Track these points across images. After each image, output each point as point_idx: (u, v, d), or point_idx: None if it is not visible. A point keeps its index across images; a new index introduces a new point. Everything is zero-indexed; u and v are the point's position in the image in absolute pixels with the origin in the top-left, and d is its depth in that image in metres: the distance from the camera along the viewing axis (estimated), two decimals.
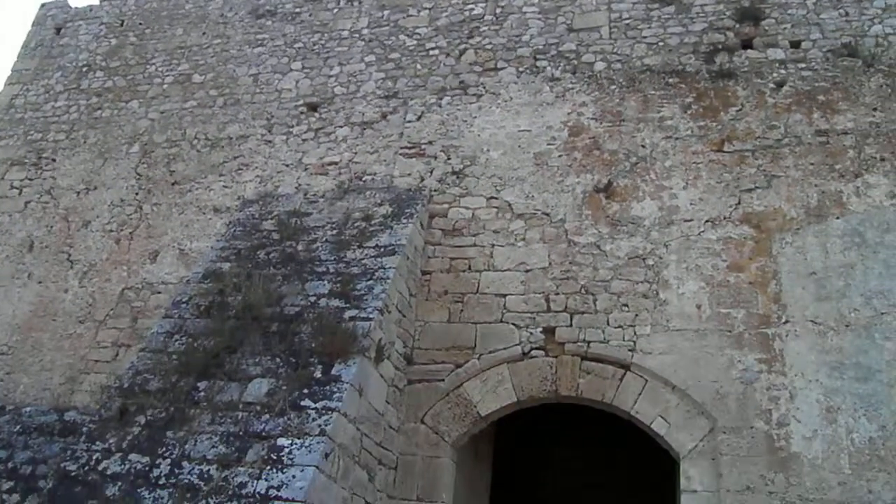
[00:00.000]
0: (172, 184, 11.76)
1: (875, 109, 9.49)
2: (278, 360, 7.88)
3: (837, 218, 8.98)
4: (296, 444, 7.04)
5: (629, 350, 8.70)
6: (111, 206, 11.89)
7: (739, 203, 9.27)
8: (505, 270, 9.43)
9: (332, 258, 9.16)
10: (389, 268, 8.81)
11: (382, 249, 9.12)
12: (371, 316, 8.17)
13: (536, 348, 8.96)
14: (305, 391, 7.50)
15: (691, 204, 9.37)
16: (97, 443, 7.38)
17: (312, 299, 8.55)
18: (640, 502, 12.21)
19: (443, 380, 9.04)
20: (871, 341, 8.33)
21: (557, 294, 9.16)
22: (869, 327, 8.39)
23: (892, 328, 8.33)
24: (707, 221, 9.23)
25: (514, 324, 9.12)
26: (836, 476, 7.85)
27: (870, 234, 8.82)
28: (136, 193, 11.89)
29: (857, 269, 8.67)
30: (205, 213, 11.32)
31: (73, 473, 7.15)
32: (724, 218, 9.21)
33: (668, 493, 9.22)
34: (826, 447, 7.97)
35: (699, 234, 9.18)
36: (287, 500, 6.60)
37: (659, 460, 9.39)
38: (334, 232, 9.62)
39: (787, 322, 8.56)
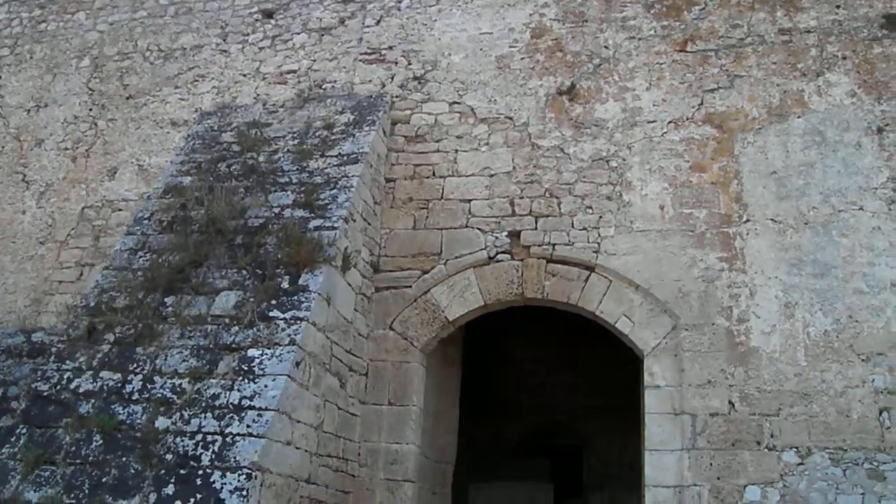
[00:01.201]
0: (127, 98, 11.44)
1: (838, 7, 9.42)
2: (245, 272, 7.88)
3: (799, 117, 9.03)
4: (266, 354, 7.11)
5: (593, 252, 8.82)
6: (64, 123, 11.56)
7: (702, 103, 9.26)
8: (469, 176, 9.41)
9: (295, 168, 9.06)
10: (353, 176, 8.75)
11: (345, 158, 9.03)
12: (336, 225, 8.15)
13: (502, 252, 9.04)
14: (273, 302, 7.53)
15: (654, 105, 9.35)
16: (67, 362, 7.38)
17: (276, 210, 8.49)
18: (605, 400, 12.60)
19: (410, 286, 9.12)
20: (828, 238, 8.51)
21: (522, 198, 9.19)
22: (827, 225, 8.56)
23: (848, 225, 8.51)
24: (670, 122, 9.24)
25: (479, 228, 9.17)
26: (792, 368, 8.14)
27: (830, 133, 8.89)
28: (90, 109, 11.55)
29: (817, 168, 8.78)
30: (162, 127, 11.06)
31: (45, 393, 7.17)
32: (687, 119, 9.22)
33: (632, 390, 9.49)
34: (783, 341, 8.24)
35: (662, 135, 9.19)
36: (260, 409, 6.71)
37: (623, 359, 9.63)
38: (296, 142, 9.49)
39: (747, 221, 8.70)
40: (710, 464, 7.94)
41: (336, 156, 9.12)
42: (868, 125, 8.85)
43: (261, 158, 9.31)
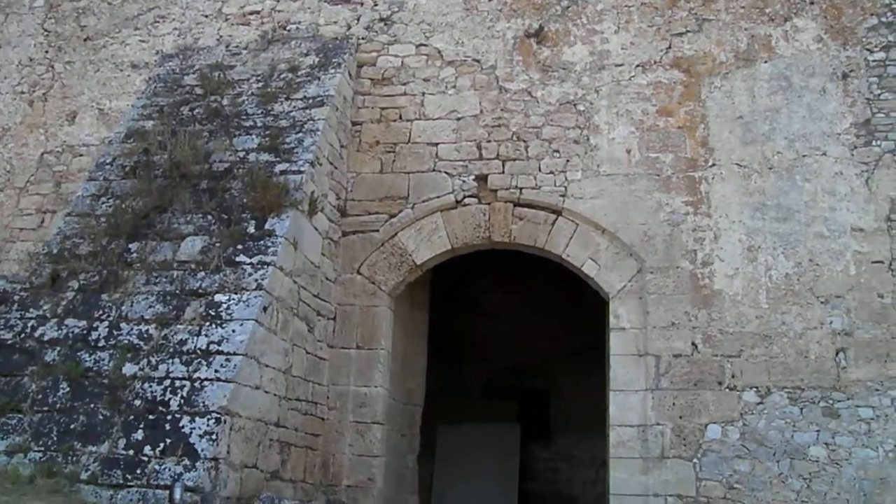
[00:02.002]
0: (85, 40, 11.10)
1: None
2: (210, 217, 7.81)
3: (766, 62, 9.05)
4: (233, 299, 7.10)
5: (560, 195, 8.85)
6: (19, 65, 11.20)
7: (670, 47, 9.23)
8: (436, 119, 9.34)
9: (260, 112, 8.93)
10: (319, 119, 8.65)
11: (311, 101, 8.91)
12: (302, 169, 8.09)
13: (469, 196, 9.04)
14: (240, 247, 7.49)
15: (622, 48, 9.30)
16: (31, 310, 7.31)
17: (241, 154, 8.39)
18: (572, 342, 12.76)
19: (377, 230, 9.11)
20: (792, 183, 8.62)
21: (489, 141, 9.16)
22: (791, 169, 8.67)
23: (812, 170, 8.62)
24: (638, 66, 9.21)
25: (446, 172, 9.14)
26: (754, 310, 8.32)
27: (796, 79, 8.94)
28: (46, 51, 11.21)
29: (782, 113, 8.85)
30: (122, 69, 10.79)
31: (9, 342, 7.11)
32: (655, 62, 9.20)
33: (598, 332, 9.62)
34: (746, 284, 8.40)
35: (630, 78, 9.17)
36: (228, 353, 6.72)
37: (590, 302, 9.75)
38: (260, 84, 9.33)
39: (713, 165, 8.77)
40: (673, 403, 8.14)
41: (301, 99, 9.00)
42: (833, 71, 8.90)
43: (224, 102, 9.15)
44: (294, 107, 8.92)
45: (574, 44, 9.41)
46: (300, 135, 8.52)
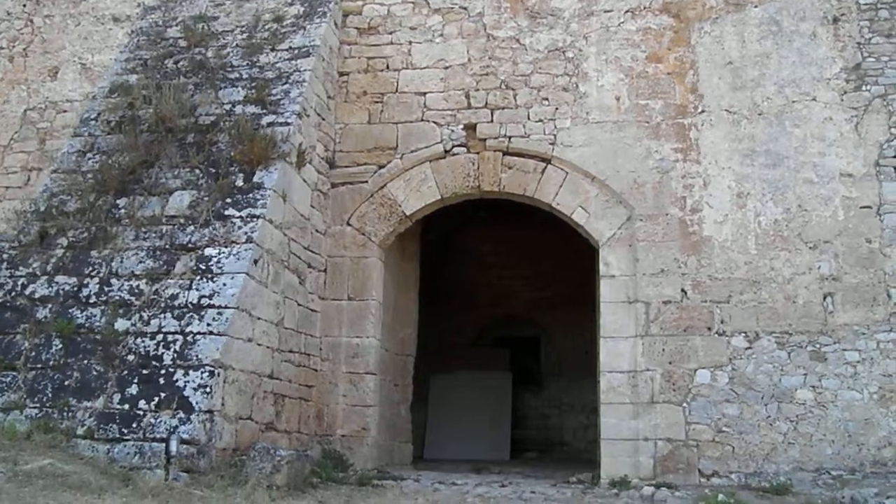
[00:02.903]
0: None
1: None
2: (198, 171, 7.76)
3: (756, 6, 8.95)
4: (223, 252, 7.10)
5: (550, 143, 8.82)
6: None
7: None
8: (424, 68, 9.24)
9: (245, 63, 8.82)
10: (305, 70, 8.55)
11: (296, 51, 8.80)
12: (289, 120, 8.02)
13: (458, 145, 9.00)
14: (228, 200, 7.46)
15: None
16: (20, 268, 7.29)
17: (227, 107, 8.31)
18: (562, 291, 12.85)
19: (366, 181, 9.08)
20: (781, 129, 8.60)
21: (477, 90, 9.09)
22: (780, 115, 8.64)
23: (801, 116, 8.60)
24: (627, 12, 9.10)
25: (435, 122, 9.08)
26: (743, 256, 8.37)
27: (786, 23, 8.86)
28: (24, 5, 10.99)
29: (772, 59, 8.79)
30: (103, 23, 10.62)
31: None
32: (644, 8, 9.09)
33: (588, 280, 9.68)
34: (735, 230, 8.43)
35: (619, 24, 9.07)
36: (220, 307, 6.74)
37: (580, 250, 9.77)
38: (245, 35, 9.19)
39: (702, 112, 8.74)
40: (663, 349, 8.22)
41: (287, 49, 8.88)
42: (824, 14, 8.82)
43: (209, 54, 9.02)
44: (280, 58, 8.81)
45: None
46: (286, 86, 8.43)
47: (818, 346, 8.12)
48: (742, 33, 8.90)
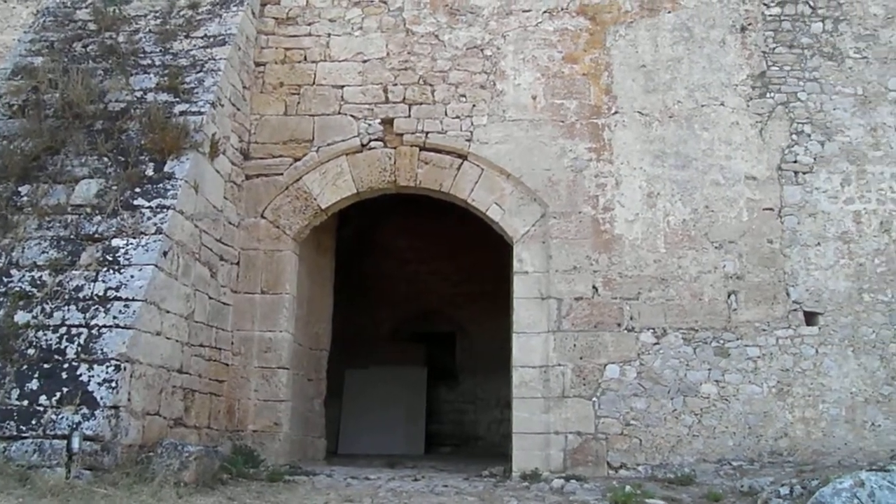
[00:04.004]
0: None
1: None
2: (106, 159, 7.53)
3: (669, 12, 9.21)
4: (131, 243, 6.91)
5: (466, 140, 8.89)
6: None
7: None
8: (342, 61, 9.18)
9: (158, 50, 8.61)
10: (220, 59, 8.39)
11: (212, 39, 8.63)
12: (203, 110, 7.86)
13: (375, 139, 8.98)
14: (138, 190, 7.27)
15: None
16: None
17: (139, 94, 8.09)
18: (478, 286, 12.96)
19: (281, 174, 8.96)
20: (690, 131, 8.88)
21: (396, 85, 9.08)
22: (690, 118, 8.92)
23: (710, 119, 8.90)
24: (545, 12, 9.23)
25: (352, 115, 9.04)
26: (652, 255, 8.61)
27: (697, 30, 9.15)
28: None
29: (684, 63, 9.06)
30: (6, 1, 10.19)
31: None
32: (562, 9, 9.24)
33: (503, 276, 9.78)
34: (645, 229, 8.66)
35: (536, 24, 9.19)
36: (127, 299, 6.56)
37: (496, 246, 9.87)
38: (158, 21, 8.96)
39: (616, 113, 8.94)
40: (574, 345, 8.39)
41: (202, 37, 8.70)
42: (733, 23, 9.15)
43: (120, 38, 8.76)
44: (194, 45, 8.63)
45: None
46: (201, 74, 8.26)
47: (722, 341, 8.42)
48: (655, 38, 9.14)
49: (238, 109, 8.77)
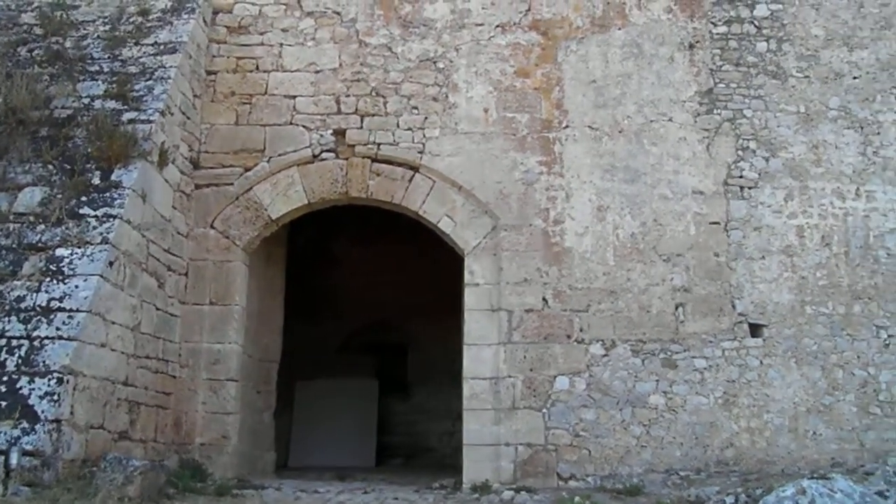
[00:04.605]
0: None
1: None
2: (51, 167, 7.40)
3: (619, 29, 9.37)
4: (76, 253, 6.78)
5: (418, 152, 8.91)
6: None
7: (529, 9, 9.38)
8: (294, 71, 9.13)
9: (106, 56, 8.48)
10: (170, 67, 8.30)
11: (162, 47, 8.53)
12: (152, 118, 7.76)
13: (327, 150, 8.95)
14: (84, 199, 7.14)
15: (483, 8, 9.37)
16: None
17: (86, 101, 7.96)
18: (430, 298, 12.94)
19: (232, 184, 8.88)
20: (639, 146, 9.03)
21: (348, 96, 9.07)
22: (639, 133, 9.07)
23: (658, 135, 9.06)
24: (497, 26, 9.32)
25: (304, 126, 8.99)
26: (602, 267, 8.71)
27: (647, 46, 9.31)
28: None
29: (633, 79, 9.21)
30: None
31: None
32: (514, 24, 9.33)
33: (456, 288, 9.80)
34: (595, 242, 8.77)
35: (489, 38, 9.27)
36: (71, 310, 6.43)
37: (448, 258, 9.89)
38: (107, 27, 8.84)
39: (567, 127, 9.04)
40: (524, 356, 8.44)
41: (152, 44, 8.60)
42: (681, 41, 9.33)
43: (67, 44, 8.62)
44: (144, 52, 8.52)
45: (435, 0, 9.39)
46: (150, 82, 8.16)
47: (669, 353, 8.55)
48: (606, 54, 9.28)
49: (188, 118, 8.67)
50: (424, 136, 8.94)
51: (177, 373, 8.40)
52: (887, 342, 8.71)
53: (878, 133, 9.20)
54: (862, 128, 9.21)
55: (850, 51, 9.40)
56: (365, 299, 13.60)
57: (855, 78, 9.34)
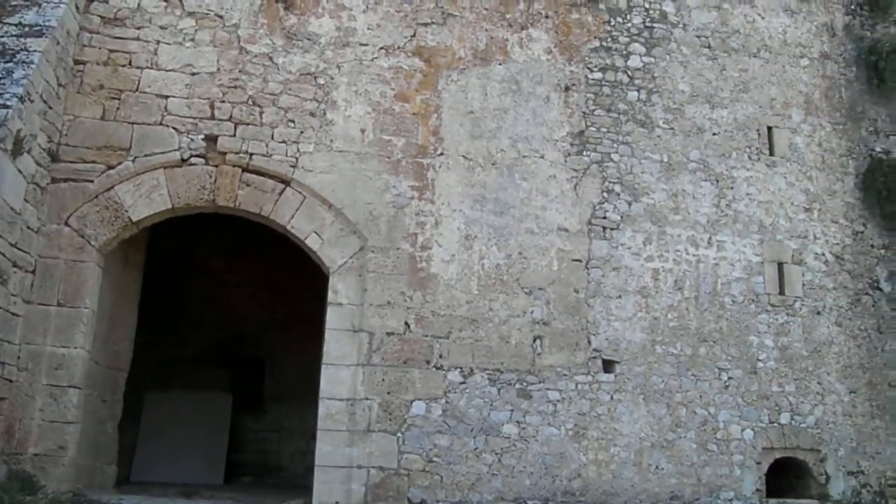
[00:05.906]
0: None
1: None
2: None
3: (500, 64, 9.61)
4: None
5: (291, 166, 8.79)
6: None
7: (415, 35, 9.49)
8: (169, 70, 8.84)
9: None
10: (35, 51, 7.88)
11: (28, 29, 8.08)
12: (9, 103, 7.34)
13: (197, 155, 8.69)
14: None
15: (369, 29, 9.40)
16: None
17: None
18: (292, 314, 12.75)
19: (92, 181, 8.46)
20: (510, 180, 9.24)
21: (223, 102, 8.85)
22: (511, 167, 9.30)
23: (529, 170, 9.32)
24: (381, 49, 9.36)
25: (174, 128, 8.71)
26: (465, 295, 8.83)
27: (525, 84, 9.59)
28: None
29: (510, 114, 9.47)
30: None
31: None
32: (398, 48, 9.40)
33: (319, 306, 9.68)
34: (460, 270, 8.89)
35: (372, 59, 9.30)
36: None
37: (312, 275, 9.78)
38: None
39: (441, 154, 9.16)
40: (383, 379, 8.42)
41: (16, 25, 8.14)
42: (558, 82, 9.67)
43: None
44: (7, 32, 8.06)
45: (322, 15, 9.35)
46: (10, 65, 7.71)
47: (525, 384, 8.73)
48: (485, 87, 9.49)
49: (50, 107, 8.23)
50: (299, 150, 8.83)
51: (13, 376, 7.86)
52: (727, 384, 9.23)
53: (732, 187, 9.80)
54: (717, 181, 9.80)
55: (712, 108, 10.01)
56: (225, 311, 13.24)
57: (714, 134, 9.93)
